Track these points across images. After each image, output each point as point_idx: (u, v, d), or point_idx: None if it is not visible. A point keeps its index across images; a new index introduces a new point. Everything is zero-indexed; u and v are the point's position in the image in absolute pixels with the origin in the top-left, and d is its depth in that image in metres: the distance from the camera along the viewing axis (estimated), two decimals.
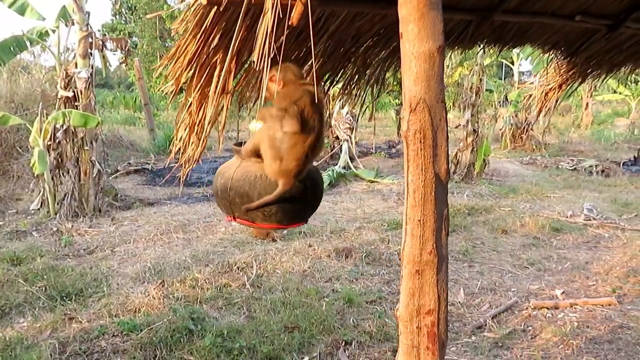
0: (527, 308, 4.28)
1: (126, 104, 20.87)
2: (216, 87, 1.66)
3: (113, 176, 8.86)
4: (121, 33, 28.52)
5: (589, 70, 3.10)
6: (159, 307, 4.02)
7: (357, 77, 2.19)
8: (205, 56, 1.65)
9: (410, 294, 1.31)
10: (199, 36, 1.58)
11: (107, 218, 6.50)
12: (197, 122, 1.75)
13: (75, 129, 6.26)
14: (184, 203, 7.51)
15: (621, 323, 4.00)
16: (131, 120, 16.58)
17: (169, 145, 11.78)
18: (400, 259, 1.37)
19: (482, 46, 2.41)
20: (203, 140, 1.79)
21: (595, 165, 10.90)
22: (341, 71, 2.15)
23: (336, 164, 10.34)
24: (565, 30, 2.55)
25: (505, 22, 2.28)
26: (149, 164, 10.44)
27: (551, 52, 2.80)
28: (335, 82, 2.17)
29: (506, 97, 16.85)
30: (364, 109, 2.50)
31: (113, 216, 6.55)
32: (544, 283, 4.86)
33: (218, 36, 1.61)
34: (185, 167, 1.84)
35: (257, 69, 1.51)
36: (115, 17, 32.62)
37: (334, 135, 11.14)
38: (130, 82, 26.91)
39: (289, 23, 1.48)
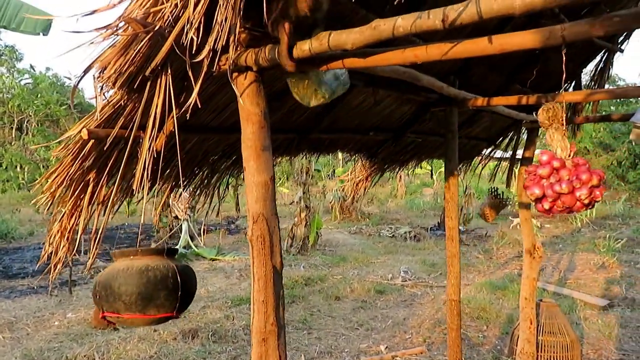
0: None
1: None
2: (89, 199, 1.98)
3: None
4: None
5: (386, 166, 4.03)
6: None
7: (206, 181, 2.66)
8: (79, 173, 1.97)
9: (259, 357, 1.75)
10: (76, 159, 1.90)
11: None
12: (69, 229, 2.02)
13: None
14: (7, 298, 6.83)
15: None
16: None
17: None
18: (250, 331, 1.80)
19: (304, 154, 3.09)
20: (73, 244, 2.05)
21: (409, 232, 12.62)
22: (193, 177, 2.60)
23: (176, 244, 10.33)
24: (364, 140, 3.39)
25: (319, 137, 2.99)
26: None
27: (356, 155, 3.65)
28: (187, 186, 2.60)
29: (334, 170, 18.61)
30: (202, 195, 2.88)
31: None
32: (371, 341, 5.59)
33: (93, 159, 1.95)
34: (55, 269, 2.06)
35: (137, 194, 1.90)
36: None
37: (173, 215, 11.17)
38: None
39: (154, 148, 1.92)
